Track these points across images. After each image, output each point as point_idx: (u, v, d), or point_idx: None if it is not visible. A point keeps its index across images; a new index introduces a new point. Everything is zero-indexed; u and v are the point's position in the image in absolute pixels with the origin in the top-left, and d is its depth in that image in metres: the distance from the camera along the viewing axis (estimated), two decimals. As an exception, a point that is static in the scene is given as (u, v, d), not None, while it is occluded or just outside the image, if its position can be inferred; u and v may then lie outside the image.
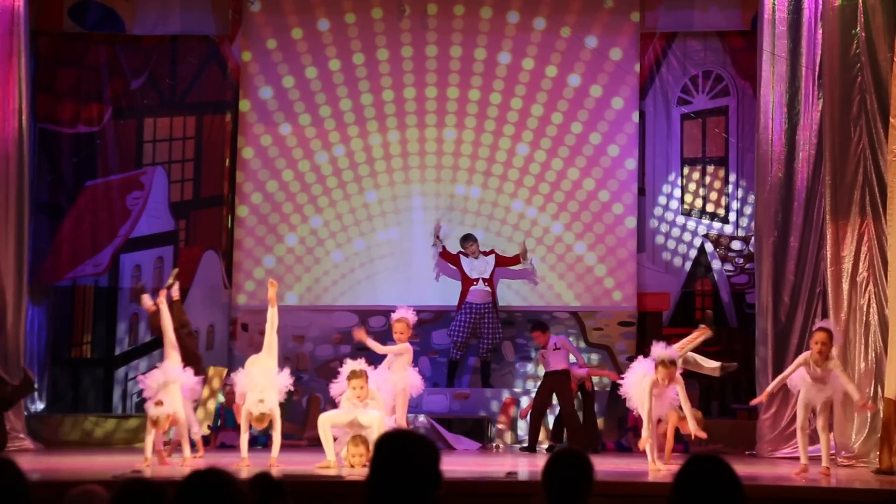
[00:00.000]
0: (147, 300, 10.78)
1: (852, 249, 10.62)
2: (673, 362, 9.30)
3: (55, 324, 13.52)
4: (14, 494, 3.73)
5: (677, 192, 13.56)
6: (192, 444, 9.98)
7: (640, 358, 9.83)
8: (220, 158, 13.83)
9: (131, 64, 13.80)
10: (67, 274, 13.56)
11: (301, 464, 9.69)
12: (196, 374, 10.49)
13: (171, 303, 10.55)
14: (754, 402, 10.06)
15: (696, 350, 10.38)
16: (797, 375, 9.23)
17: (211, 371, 12.51)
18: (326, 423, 9.48)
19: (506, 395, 12.90)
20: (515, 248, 13.41)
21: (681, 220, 13.53)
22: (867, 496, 7.77)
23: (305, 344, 13.49)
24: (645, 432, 9.25)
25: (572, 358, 12.12)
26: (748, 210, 13.14)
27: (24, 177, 12.09)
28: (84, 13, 13.66)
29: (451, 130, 13.70)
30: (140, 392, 10.27)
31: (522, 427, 12.60)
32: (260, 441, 11.57)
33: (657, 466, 9.25)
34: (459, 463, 9.86)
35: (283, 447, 9.88)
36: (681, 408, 9.61)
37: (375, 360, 10.43)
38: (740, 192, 13.36)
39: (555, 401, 12.12)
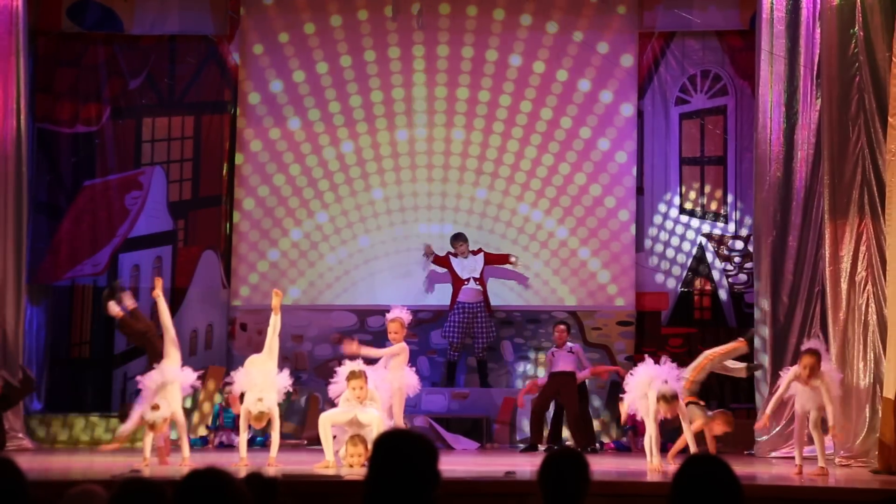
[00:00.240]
0: (114, 307, 10.77)
1: (851, 249, 10.61)
2: (675, 397, 9.29)
3: (54, 323, 13.51)
4: (13, 494, 3.73)
5: (676, 192, 13.56)
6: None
7: (645, 363, 9.75)
8: (219, 158, 13.83)
9: (130, 64, 13.80)
10: (66, 274, 13.56)
11: (300, 463, 9.69)
12: None
13: (129, 311, 10.67)
14: (758, 427, 10.00)
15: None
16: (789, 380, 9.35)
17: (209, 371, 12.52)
18: (327, 422, 9.48)
19: (504, 395, 12.91)
20: (512, 247, 13.41)
21: (679, 219, 13.52)
22: (866, 496, 7.76)
23: (304, 343, 13.49)
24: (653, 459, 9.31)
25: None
26: (747, 209, 13.13)
27: (22, 176, 12.10)
28: (82, 13, 13.65)
29: (449, 131, 13.68)
30: (139, 392, 10.26)
31: (522, 427, 12.61)
32: (258, 441, 11.57)
33: (655, 465, 9.25)
34: (458, 463, 9.86)
35: (282, 447, 9.87)
36: (708, 410, 9.74)
37: (373, 360, 10.44)
38: (739, 192, 13.36)
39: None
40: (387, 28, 13.71)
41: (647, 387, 9.42)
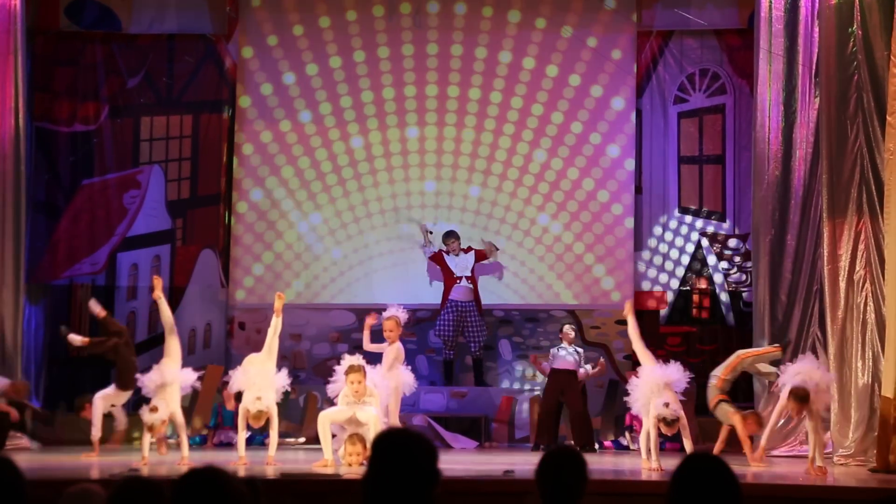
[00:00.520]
0: (75, 338, 10.89)
1: (849, 248, 10.62)
2: (675, 420, 9.27)
3: (52, 323, 13.50)
4: (12, 493, 3.73)
5: (674, 191, 13.56)
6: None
7: (651, 366, 9.71)
8: (217, 157, 13.83)
9: (128, 63, 13.80)
10: (64, 273, 13.56)
11: (298, 462, 9.68)
12: (125, 388, 10.55)
13: (101, 319, 10.76)
14: (755, 459, 9.93)
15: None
16: (785, 378, 9.35)
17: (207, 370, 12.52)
18: (326, 420, 9.47)
19: (502, 394, 12.92)
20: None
21: (678, 218, 13.53)
22: (864, 495, 7.76)
23: (302, 342, 13.50)
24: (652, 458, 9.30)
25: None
26: (745, 208, 13.13)
27: (20, 176, 12.10)
28: (80, 12, 13.65)
29: (449, 129, 13.69)
30: (137, 391, 10.27)
31: (522, 426, 12.62)
32: (258, 439, 11.57)
33: (650, 464, 9.25)
34: (457, 461, 9.85)
35: (281, 445, 9.86)
36: (741, 409, 9.88)
37: (373, 359, 10.43)
38: (737, 191, 13.36)
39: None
40: (376, 28, 13.70)
41: (651, 394, 9.37)
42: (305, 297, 13.60)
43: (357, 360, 9.63)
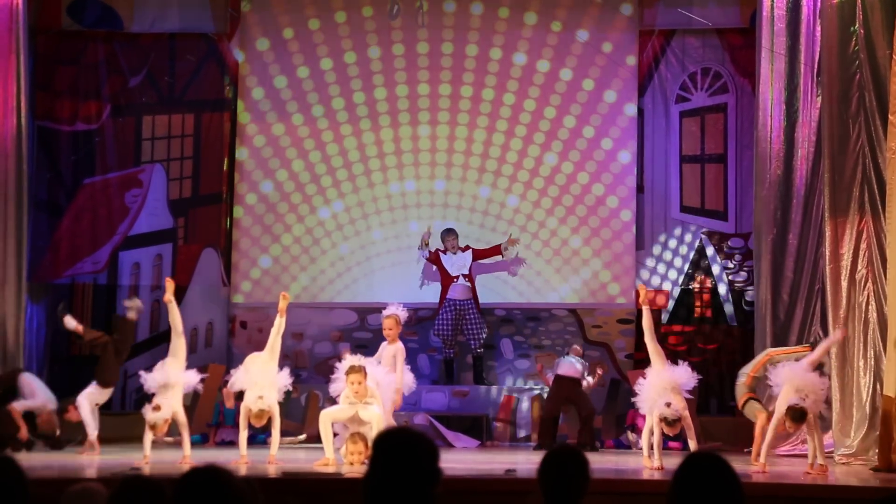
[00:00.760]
0: (70, 321, 10.90)
1: (851, 247, 10.61)
2: (677, 420, 9.26)
3: (54, 321, 13.49)
4: (13, 492, 3.73)
5: (676, 190, 13.55)
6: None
7: (659, 369, 9.68)
8: (219, 156, 13.83)
9: (130, 61, 13.80)
10: (66, 272, 13.56)
11: (300, 461, 9.68)
12: (106, 385, 10.55)
13: (81, 333, 10.94)
14: (757, 471, 9.94)
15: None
16: (782, 377, 9.33)
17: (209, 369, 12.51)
18: (327, 419, 9.46)
19: (503, 393, 12.91)
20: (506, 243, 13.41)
21: (679, 217, 13.52)
22: (866, 494, 7.76)
23: (304, 341, 13.50)
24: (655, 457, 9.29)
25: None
26: (747, 207, 13.12)
27: (22, 174, 12.11)
28: (82, 11, 13.65)
29: (461, 129, 13.66)
30: (139, 389, 10.27)
31: (524, 425, 12.64)
32: (260, 438, 11.57)
33: (651, 463, 9.24)
34: (458, 460, 9.85)
35: (282, 444, 9.86)
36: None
37: (374, 354, 10.44)
38: (739, 190, 13.35)
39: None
40: (391, 25, 13.67)
41: (657, 397, 9.36)
42: (307, 295, 13.60)
43: (358, 360, 9.62)
